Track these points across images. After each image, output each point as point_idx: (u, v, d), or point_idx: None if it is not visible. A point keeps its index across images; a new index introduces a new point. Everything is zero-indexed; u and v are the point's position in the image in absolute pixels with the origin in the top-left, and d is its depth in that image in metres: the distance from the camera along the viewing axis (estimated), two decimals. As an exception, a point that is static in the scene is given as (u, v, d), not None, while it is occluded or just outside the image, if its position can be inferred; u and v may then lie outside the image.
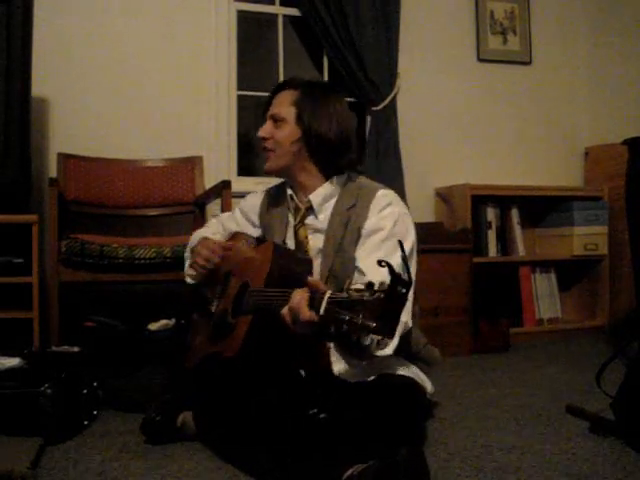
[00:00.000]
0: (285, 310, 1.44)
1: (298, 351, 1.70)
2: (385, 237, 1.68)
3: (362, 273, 1.64)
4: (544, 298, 3.60)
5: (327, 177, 1.83)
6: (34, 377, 1.83)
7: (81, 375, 1.96)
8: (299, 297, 1.39)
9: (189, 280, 1.99)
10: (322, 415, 1.56)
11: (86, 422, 1.92)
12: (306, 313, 1.35)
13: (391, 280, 1.18)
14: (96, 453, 1.71)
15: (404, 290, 1.18)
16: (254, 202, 2.01)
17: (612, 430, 1.77)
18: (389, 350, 1.56)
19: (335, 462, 1.38)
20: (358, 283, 1.28)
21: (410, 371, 1.76)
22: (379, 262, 1.22)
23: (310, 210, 1.83)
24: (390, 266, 1.19)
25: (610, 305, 3.56)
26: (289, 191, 1.87)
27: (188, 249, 2.04)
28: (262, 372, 1.65)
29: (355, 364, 1.66)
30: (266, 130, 1.83)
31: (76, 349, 2.22)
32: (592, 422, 1.86)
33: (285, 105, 1.81)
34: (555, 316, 3.62)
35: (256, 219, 1.99)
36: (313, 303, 1.34)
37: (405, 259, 1.25)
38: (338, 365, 1.68)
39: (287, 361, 1.71)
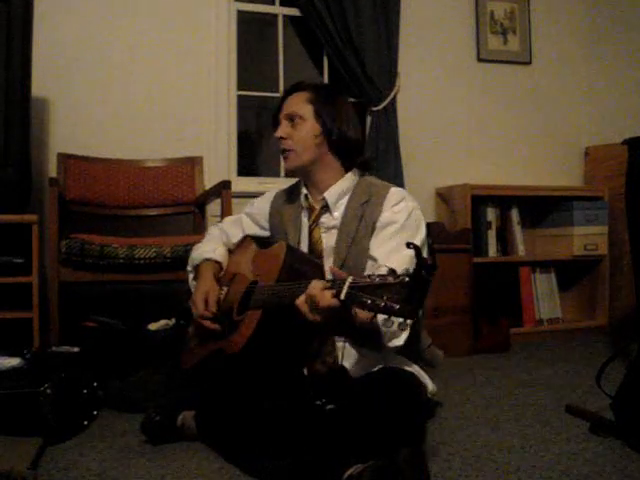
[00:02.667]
0: (302, 298, 1.44)
1: (305, 347, 1.70)
2: (398, 229, 1.71)
3: (375, 261, 1.67)
4: (544, 298, 3.60)
5: (347, 170, 1.85)
6: (34, 377, 1.83)
7: (81, 375, 1.96)
8: (318, 284, 1.40)
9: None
10: (329, 406, 1.56)
11: (86, 422, 1.92)
12: (327, 298, 1.36)
13: (417, 263, 1.19)
14: (96, 453, 1.71)
15: (428, 275, 1.20)
16: (263, 206, 2.01)
17: (612, 430, 1.77)
18: (401, 340, 1.58)
19: (335, 462, 1.38)
20: (381, 268, 1.29)
21: (412, 368, 1.77)
22: (408, 244, 1.24)
23: (325, 208, 1.84)
24: (417, 249, 1.21)
25: (610, 305, 3.56)
26: (304, 191, 1.88)
27: (190, 265, 2.03)
28: (266, 369, 1.65)
29: (365, 355, 1.65)
30: (284, 130, 1.83)
31: (76, 349, 2.22)
32: (592, 422, 1.86)
33: (301, 104, 1.83)
34: (555, 316, 3.62)
35: (265, 223, 2.00)
36: (333, 289, 1.34)
37: (431, 244, 1.28)
38: (346, 362, 1.70)
39: (292, 358, 1.72)
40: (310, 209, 1.87)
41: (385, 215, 1.75)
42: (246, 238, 2.00)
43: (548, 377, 2.56)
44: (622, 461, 1.60)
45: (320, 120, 1.80)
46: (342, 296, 1.30)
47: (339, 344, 1.71)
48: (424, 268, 1.19)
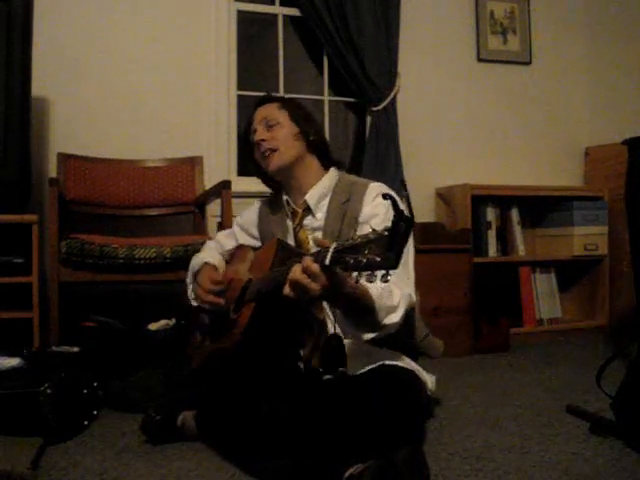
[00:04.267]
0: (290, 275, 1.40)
1: (302, 334, 1.70)
2: (380, 222, 1.69)
3: None
4: (544, 298, 3.60)
5: (326, 169, 1.91)
6: (34, 377, 1.83)
7: (81, 375, 1.96)
8: (298, 267, 1.38)
9: (195, 303, 1.98)
10: (326, 376, 1.56)
11: (86, 422, 1.92)
12: (312, 270, 1.33)
13: (394, 215, 1.19)
14: (96, 453, 1.71)
15: (407, 226, 1.20)
16: (250, 215, 2.06)
17: (612, 430, 1.77)
18: (398, 316, 1.57)
19: (335, 462, 1.38)
20: (364, 227, 1.28)
21: (412, 366, 1.77)
22: (384, 196, 1.24)
23: (307, 211, 1.87)
24: (394, 200, 1.21)
25: (610, 305, 3.56)
26: (285, 197, 1.92)
27: (190, 275, 2.05)
28: (263, 363, 1.65)
29: (360, 338, 1.63)
30: (264, 134, 1.88)
31: (76, 349, 2.22)
32: (592, 422, 1.86)
33: (275, 110, 1.90)
34: (555, 316, 3.62)
35: (255, 231, 2.04)
36: (318, 258, 1.34)
37: (408, 198, 1.27)
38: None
39: (288, 348, 1.71)
40: (293, 213, 1.90)
41: (366, 210, 1.78)
42: (242, 247, 2.02)
43: (548, 377, 2.56)
44: (622, 461, 1.60)
45: (296, 122, 1.88)
46: (327, 261, 1.29)
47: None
48: (402, 219, 1.19)
